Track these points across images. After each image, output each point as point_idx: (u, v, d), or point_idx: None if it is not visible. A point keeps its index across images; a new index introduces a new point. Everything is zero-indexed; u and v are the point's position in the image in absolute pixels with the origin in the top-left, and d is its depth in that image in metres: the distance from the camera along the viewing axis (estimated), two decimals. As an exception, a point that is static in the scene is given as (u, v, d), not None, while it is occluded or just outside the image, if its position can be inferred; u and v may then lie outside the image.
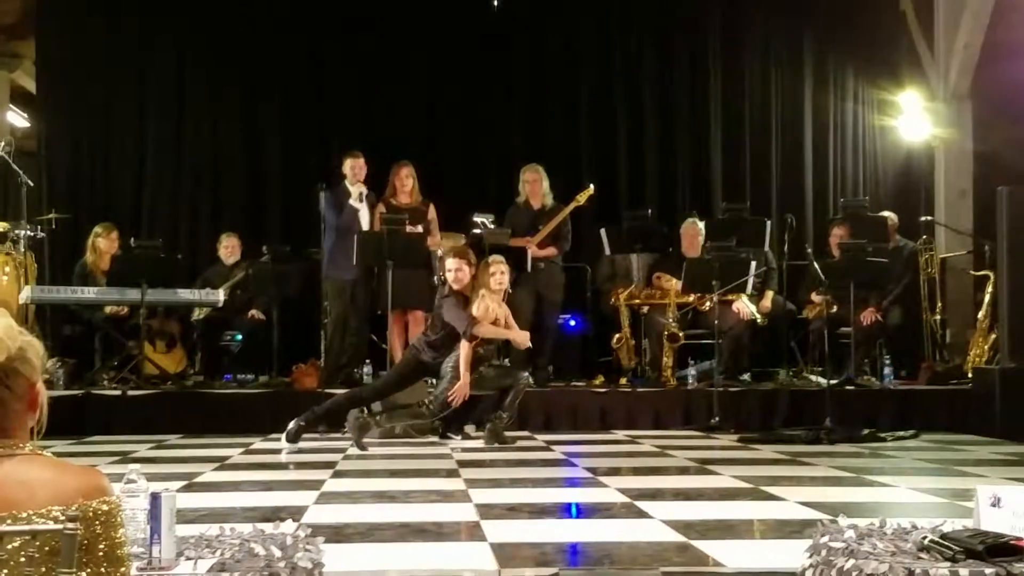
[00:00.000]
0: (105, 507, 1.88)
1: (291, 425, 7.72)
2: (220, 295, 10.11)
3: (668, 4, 12.82)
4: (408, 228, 9.27)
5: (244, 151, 12.36)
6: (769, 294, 10.34)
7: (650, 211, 10.96)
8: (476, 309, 7.74)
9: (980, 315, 10.34)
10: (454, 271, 7.86)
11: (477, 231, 9.80)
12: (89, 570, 1.85)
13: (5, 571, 1.80)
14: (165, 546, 3.13)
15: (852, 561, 3.18)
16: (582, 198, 10.10)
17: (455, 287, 7.86)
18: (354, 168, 9.97)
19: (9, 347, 1.90)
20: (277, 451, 7.58)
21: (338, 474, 6.21)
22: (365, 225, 9.76)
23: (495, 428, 7.82)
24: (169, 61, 12.40)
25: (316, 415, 7.84)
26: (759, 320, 10.04)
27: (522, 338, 8.00)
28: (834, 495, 5.32)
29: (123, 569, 1.90)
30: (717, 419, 8.96)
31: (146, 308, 9.58)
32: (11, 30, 12.92)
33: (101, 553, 1.86)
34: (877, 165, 12.97)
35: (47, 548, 1.80)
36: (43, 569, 1.80)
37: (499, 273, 7.94)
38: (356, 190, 9.92)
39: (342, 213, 9.85)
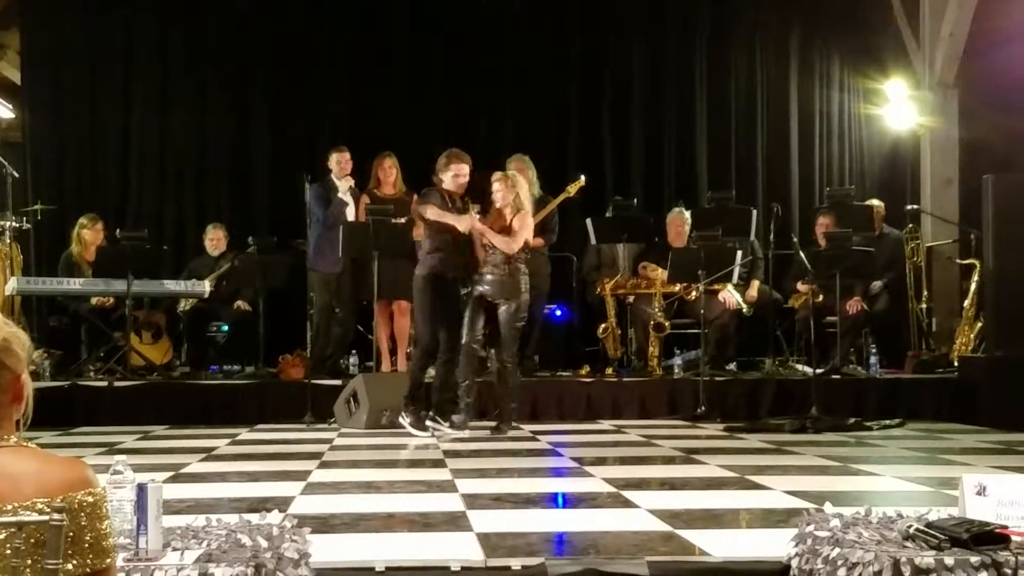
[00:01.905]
0: (90, 498, 1.88)
1: (408, 420, 7.74)
2: (206, 286, 10.11)
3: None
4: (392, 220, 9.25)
5: (230, 142, 12.35)
6: (755, 284, 10.35)
7: (636, 201, 10.96)
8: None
9: (966, 304, 10.37)
10: (464, 176, 8.03)
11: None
12: (75, 561, 1.85)
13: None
14: (152, 537, 3.12)
15: (838, 550, 3.19)
16: (572, 189, 10.06)
17: (454, 189, 7.98)
18: (340, 162, 9.94)
19: (-7, 339, 1.90)
20: (263, 441, 7.57)
21: (324, 465, 6.21)
22: (351, 219, 9.74)
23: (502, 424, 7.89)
24: (154, 52, 12.37)
25: (413, 397, 7.84)
26: (745, 310, 10.06)
27: (463, 224, 7.81)
28: (820, 484, 5.34)
29: (109, 560, 1.90)
30: (703, 408, 8.98)
31: (132, 299, 9.55)
32: (-5, 20, 12.86)
33: (87, 544, 1.86)
34: (863, 154, 13.01)
35: (33, 540, 1.80)
36: (29, 561, 1.80)
37: (496, 192, 7.93)
38: (345, 184, 9.89)
39: (329, 207, 9.82)
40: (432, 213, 7.77)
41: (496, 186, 7.95)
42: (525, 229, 7.87)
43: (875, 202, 11.01)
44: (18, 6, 12.46)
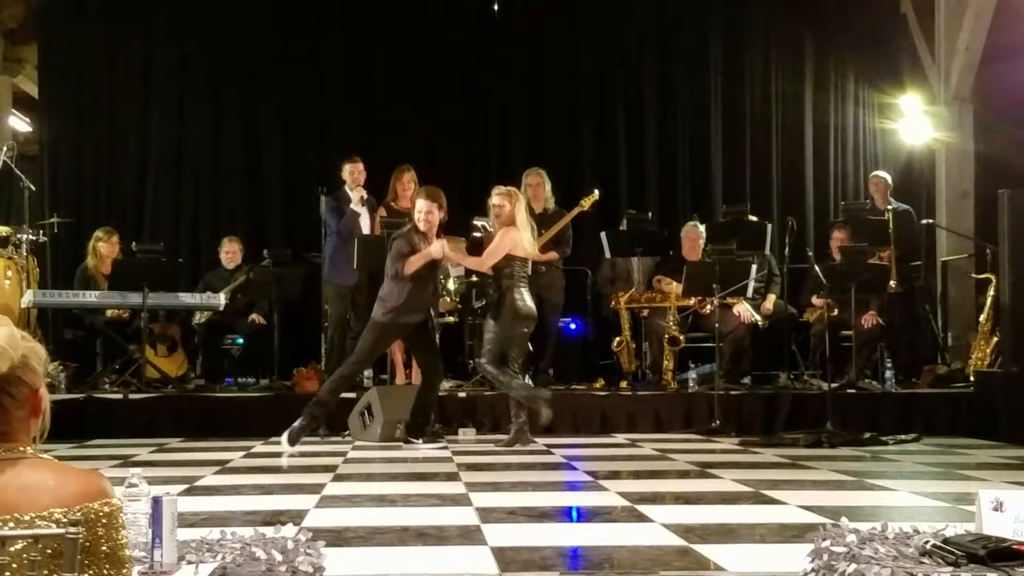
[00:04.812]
0: (107, 508, 1.89)
1: (295, 425, 7.78)
2: (221, 299, 10.12)
3: (668, 8, 12.83)
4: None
5: (245, 155, 12.39)
6: (772, 297, 10.33)
7: (651, 214, 10.96)
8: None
9: (982, 318, 10.32)
10: (424, 212, 7.94)
11: (477, 235, 9.81)
12: (92, 571, 1.85)
13: (7, 574, 1.80)
14: (167, 550, 3.13)
15: (854, 566, 3.18)
16: (587, 203, 10.06)
17: (421, 227, 7.97)
18: (353, 173, 9.97)
19: (12, 357, 1.91)
20: (278, 454, 7.57)
21: (339, 478, 6.21)
22: (366, 230, 9.77)
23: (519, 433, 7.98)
24: (170, 66, 12.43)
25: (313, 414, 7.88)
26: (760, 323, 10.04)
27: (435, 253, 7.88)
28: (836, 499, 5.32)
29: (124, 570, 1.91)
30: (718, 422, 8.95)
31: (147, 312, 9.57)
32: (14, 35, 12.94)
33: (103, 555, 1.87)
34: (878, 168, 12.96)
35: (49, 551, 1.81)
36: (45, 572, 1.81)
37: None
38: (356, 195, 9.92)
39: (343, 218, 9.85)
40: (411, 267, 7.84)
41: (496, 200, 8.03)
42: (500, 248, 7.94)
43: (879, 174, 11.02)
44: (36, 21, 12.54)
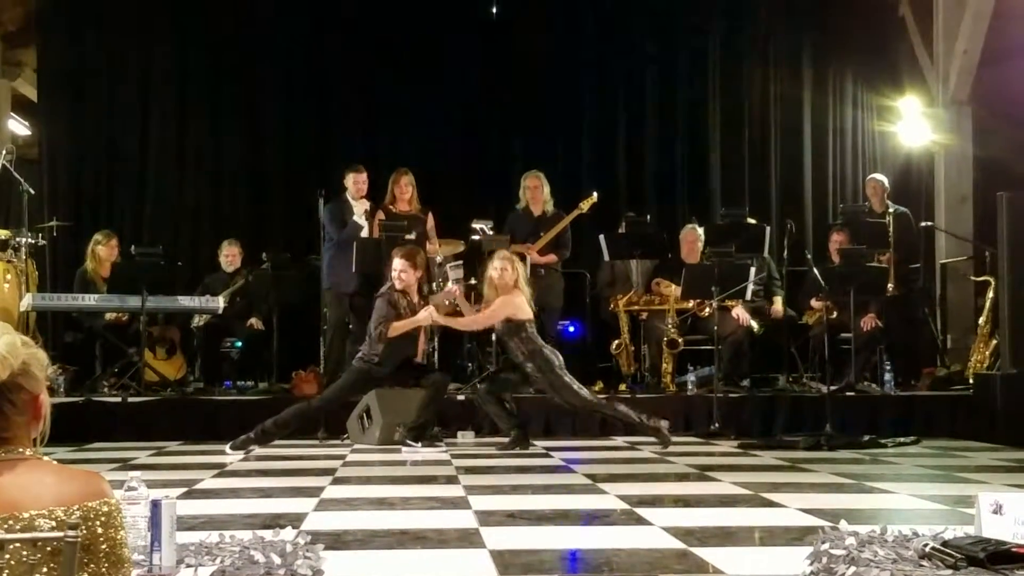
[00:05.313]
0: (106, 508, 1.90)
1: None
2: (220, 302, 10.11)
3: (668, 11, 12.83)
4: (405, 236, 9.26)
5: (245, 158, 12.40)
6: (778, 299, 10.33)
7: (649, 217, 10.96)
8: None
9: (981, 321, 10.33)
10: (398, 271, 8.03)
11: (476, 237, 9.83)
12: (90, 569, 1.86)
13: (7, 571, 1.80)
14: (165, 553, 3.13)
15: (853, 568, 3.18)
16: (585, 206, 10.09)
17: (397, 286, 8.05)
18: (356, 183, 9.94)
19: (12, 365, 1.91)
20: (277, 457, 7.57)
21: (337, 481, 6.21)
22: (366, 240, 9.77)
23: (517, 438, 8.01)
24: (170, 69, 12.45)
25: (267, 431, 7.90)
26: (756, 329, 10.04)
27: (423, 321, 8.06)
28: (835, 502, 5.32)
29: (123, 570, 1.91)
30: (717, 425, 8.95)
31: (146, 315, 9.57)
32: (12, 38, 12.94)
33: (102, 553, 1.88)
34: (877, 171, 12.96)
35: (48, 548, 1.82)
36: (45, 569, 1.82)
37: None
38: (360, 207, 9.89)
39: (344, 228, 9.83)
40: (395, 332, 7.95)
41: (497, 263, 8.05)
42: (497, 315, 8.00)
43: (876, 176, 11.04)
44: (35, 24, 12.55)
